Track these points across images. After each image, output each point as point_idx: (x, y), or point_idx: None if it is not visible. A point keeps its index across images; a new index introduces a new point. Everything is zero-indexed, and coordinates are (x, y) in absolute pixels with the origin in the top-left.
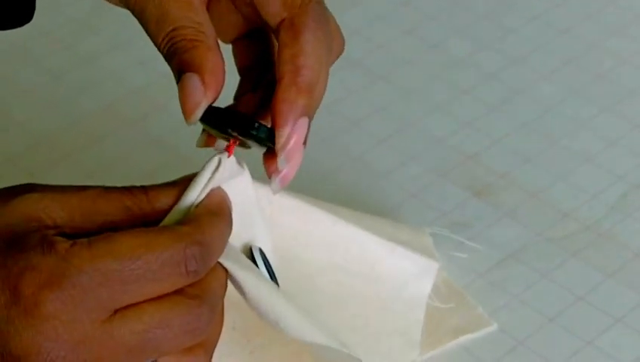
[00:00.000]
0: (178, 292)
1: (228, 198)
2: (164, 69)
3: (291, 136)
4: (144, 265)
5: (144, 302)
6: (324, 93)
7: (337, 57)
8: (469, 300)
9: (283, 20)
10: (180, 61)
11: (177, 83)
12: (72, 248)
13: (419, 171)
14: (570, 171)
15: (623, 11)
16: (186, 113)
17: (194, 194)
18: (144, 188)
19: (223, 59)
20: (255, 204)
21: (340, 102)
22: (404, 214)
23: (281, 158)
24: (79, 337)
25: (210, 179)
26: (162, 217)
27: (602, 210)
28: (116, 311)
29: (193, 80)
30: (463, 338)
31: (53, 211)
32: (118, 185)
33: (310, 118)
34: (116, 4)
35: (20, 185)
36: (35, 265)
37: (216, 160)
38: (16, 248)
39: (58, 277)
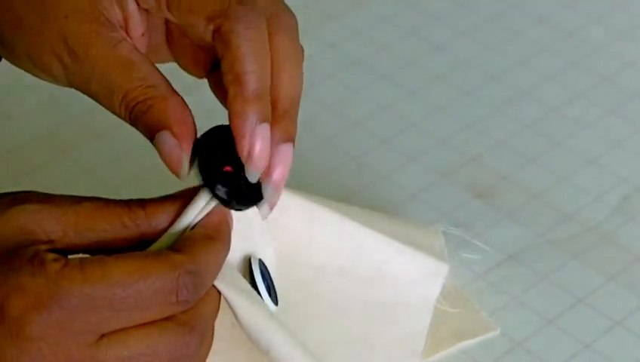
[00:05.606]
0: (168, 318)
1: (229, 217)
2: (166, 66)
3: (252, 146)
4: (135, 293)
5: (132, 327)
6: (299, 80)
7: (291, 34)
8: (472, 303)
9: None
10: (145, 125)
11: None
12: (62, 270)
13: (420, 172)
14: (573, 173)
15: (629, 15)
16: (174, 172)
17: (192, 214)
18: (142, 204)
19: (180, 98)
20: (257, 213)
21: (342, 101)
22: (404, 214)
23: (248, 171)
24: (63, 359)
25: (210, 199)
26: (159, 235)
27: (604, 212)
28: (103, 336)
29: (165, 137)
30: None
31: (48, 225)
32: (118, 180)
33: (275, 118)
34: (62, 85)
35: (18, 194)
36: (24, 285)
37: None
38: (7, 264)
39: (46, 300)
